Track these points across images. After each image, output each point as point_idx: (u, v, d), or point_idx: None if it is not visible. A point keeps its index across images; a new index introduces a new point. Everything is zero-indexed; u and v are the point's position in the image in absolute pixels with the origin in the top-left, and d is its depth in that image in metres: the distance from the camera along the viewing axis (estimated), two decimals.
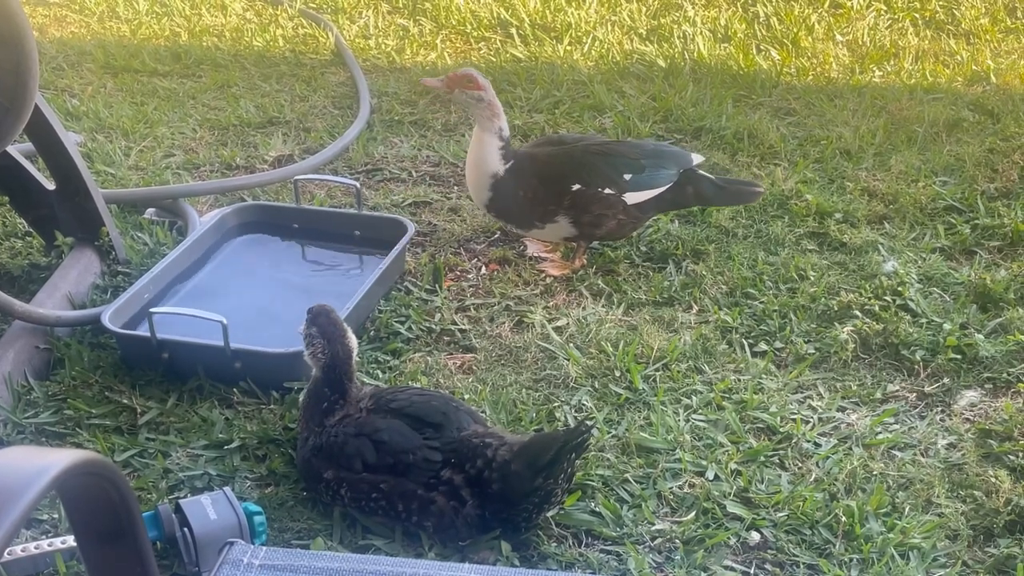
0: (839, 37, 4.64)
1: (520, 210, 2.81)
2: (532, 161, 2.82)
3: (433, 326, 2.60)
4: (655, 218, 3.03)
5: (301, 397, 2.20)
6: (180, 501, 1.89)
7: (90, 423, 2.24)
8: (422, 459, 1.97)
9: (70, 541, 1.87)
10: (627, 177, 2.81)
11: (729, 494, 2.07)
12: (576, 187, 2.78)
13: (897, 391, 2.42)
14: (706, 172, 2.97)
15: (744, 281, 2.79)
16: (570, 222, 2.81)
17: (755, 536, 1.99)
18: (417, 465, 1.97)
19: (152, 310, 2.36)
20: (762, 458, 2.18)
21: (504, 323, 2.62)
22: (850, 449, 2.21)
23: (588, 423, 1.99)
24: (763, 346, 2.55)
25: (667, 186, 2.84)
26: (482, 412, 2.24)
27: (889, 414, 2.32)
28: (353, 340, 2.14)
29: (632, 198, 2.81)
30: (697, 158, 2.94)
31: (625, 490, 2.09)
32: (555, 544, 1.96)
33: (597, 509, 2.03)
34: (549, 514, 2.01)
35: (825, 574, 1.90)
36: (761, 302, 2.70)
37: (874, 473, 2.14)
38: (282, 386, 2.34)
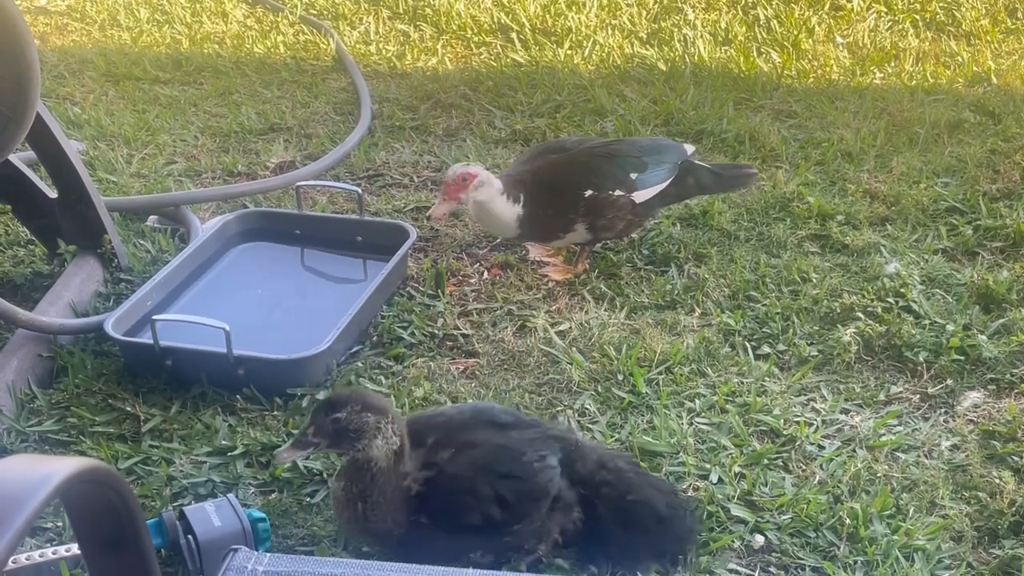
0: (839, 39, 4.64)
1: (544, 228, 2.82)
2: (540, 177, 2.81)
3: (436, 331, 2.60)
4: (657, 221, 3.04)
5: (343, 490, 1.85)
6: (184, 508, 1.90)
7: (93, 431, 2.24)
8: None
9: (74, 549, 1.87)
10: (633, 176, 2.81)
11: (733, 497, 2.07)
12: (589, 193, 2.78)
13: (900, 393, 2.41)
14: (701, 160, 3.00)
15: (746, 284, 2.79)
16: (586, 228, 2.82)
17: (759, 539, 1.98)
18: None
19: (155, 317, 2.36)
20: (766, 461, 2.17)
21: (506, 328, 2.62)
22: (854, 451, 2.21)
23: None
24: (766, 349, 2.55)
25: (670, 180, 2.86)
26: None
27: (892, 416, 2.32)
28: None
29: (640, 196, 2.82)
30: (690, 148, 2.96)
31: None
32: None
33: None
34: None
35: None
36: (763, 305, 2.70)
37: (878, 475, 2.14)
38: (285, 392, 2.34)
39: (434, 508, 1.81)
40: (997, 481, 2.10)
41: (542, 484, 1.85)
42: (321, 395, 2.32)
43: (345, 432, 1.75)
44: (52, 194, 2.77)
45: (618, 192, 2.79)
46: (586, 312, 2.69)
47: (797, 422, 2.28)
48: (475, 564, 1.83)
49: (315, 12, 4.96)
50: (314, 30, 4.70)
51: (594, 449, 2.00)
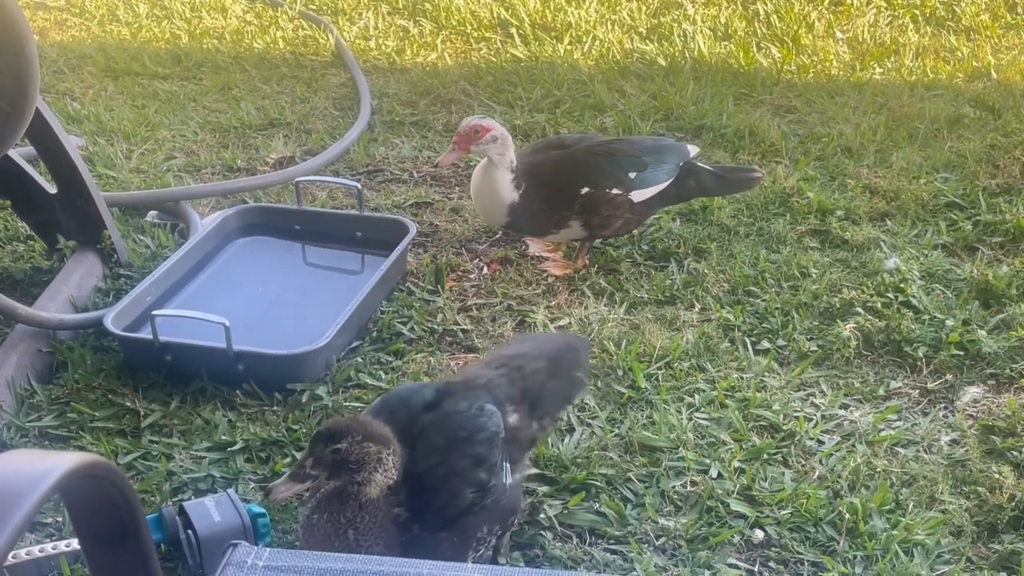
0: (839, 34, 4.64)
1: (536, 222, 2.82)
2: (538, 171, 2.81)
3: (435, 327, 2.60)
4: (657, 216, 3.04)
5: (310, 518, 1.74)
6: (184, 503, 1.90)
7: (93, 426, 2.24)
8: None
9: (74, 544, 1.87)
10: (632, 176, 2.81)
11: (732, 492, 2.07)
12: (585, 190, 2.78)
13: (900, 388, 2.41)
14: (704, 162, 2.99)
15: (746, 279, 2.79)
16: (581, 225, 2.81)
17: (759, 534, 1.99)
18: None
19: (155, 313, 2.36)
20: (765, 456, 2.17)
21: (506, 323, 2.62)
22: (853, 446, 2.21)
23: None
24: (765, 344, 2.55)
25: (670, 181, 2.85)
26: None
27: (892, 411, 2.32)
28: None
29: (638, 196, 2.82)
30: (694, 149, 2.95)
31: (629, 489, 2.09)
32: (560, 544, 1.96)
33: (601, 509, 2.03)
34: (553, 514, 2.01)
35: (829, 571, 1.90)
36: (763, 300, 2.70)
37: (877, 470, 2.14)
38: (285, 388, 2.34)
39: (426, 518, 1.74)
40: (996, 476, 2.10)
41: (496, 427, 1.81)
42: (318, 402, 2.33)
43: (345, 463, 1.65)
44: (52, 189, 2.77)
45: (615, 191, 2.79)
46: (586, 307, 2.69)
47: (796, 417, 2.28)
48: (487, 543, 1.82)
49: (314, 7, 4.96)
50: (313, 25, 4.70)
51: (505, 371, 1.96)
